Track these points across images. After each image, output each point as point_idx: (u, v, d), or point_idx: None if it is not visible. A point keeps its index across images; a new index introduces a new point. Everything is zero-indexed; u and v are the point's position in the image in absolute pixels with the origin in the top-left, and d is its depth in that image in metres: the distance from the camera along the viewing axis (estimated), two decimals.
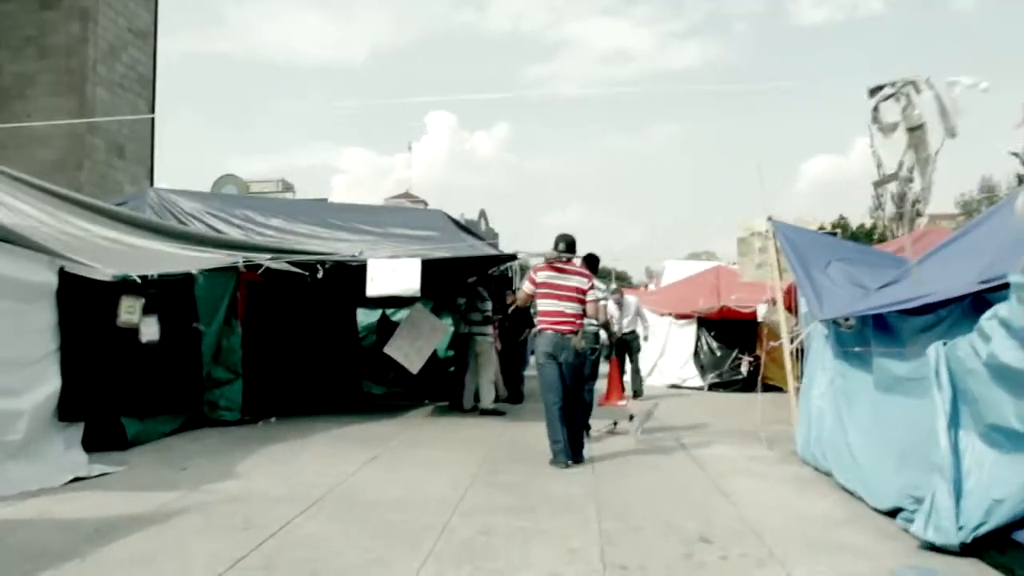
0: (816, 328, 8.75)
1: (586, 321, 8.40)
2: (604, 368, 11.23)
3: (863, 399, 7.54)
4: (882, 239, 48.07)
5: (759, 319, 14.61)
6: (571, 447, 8.19)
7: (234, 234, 12.10)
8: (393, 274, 10.31)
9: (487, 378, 12.38)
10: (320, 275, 10.57)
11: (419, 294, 10.33)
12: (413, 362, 11.89)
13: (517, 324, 13.86)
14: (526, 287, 8.32)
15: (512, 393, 14.12)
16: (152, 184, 21.57)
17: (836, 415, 7.91)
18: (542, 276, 8.13)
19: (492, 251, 11.66)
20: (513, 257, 12.53)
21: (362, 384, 14.08)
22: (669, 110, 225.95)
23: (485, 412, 12.17)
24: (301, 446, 9.00)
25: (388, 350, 11.96)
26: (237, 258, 10.25)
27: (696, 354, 17.92)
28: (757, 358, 17.47)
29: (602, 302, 9.57)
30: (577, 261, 8.58)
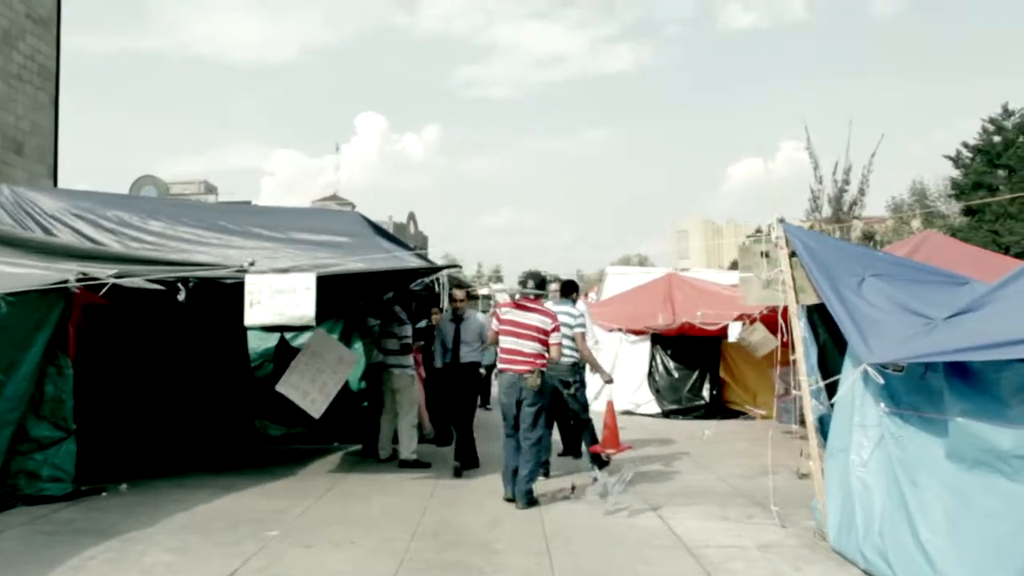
0: (846, 369, 6.40)
1: (565, 352, 8.60)
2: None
3: (936, 479, 5.26)
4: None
5: (731, 339, 12.27)
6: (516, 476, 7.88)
7: (104, 239, 9.39)
8: (280, 296, 7.67)
9: (408, 421, 9.82)
10: (182, 296, 7.88)
11: (314, 323, 7.70)
12: (315, 403, 9.23)
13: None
14: (492, 324, 8.29)
15: (440, 432, 11.56)
16: (56, 184, 20.02)
17: (894, 498, 5.57)
18: (505, 313, 8.03)
19: (415, 262, 9.06)
20: (438, 269, 9.97)
21: (256, 424, 11.34)
22: (600, 113, 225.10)
23: (406, 464, 9.61)
24: (138, 540, 6.32)
25: (281, 388, 9.29)
26: (66, 274, 7.50)
27: (651, 375, 15.53)
28: (722, 382, 15.24)
29: (577, 330, 9.11)
30: (554, 286, 9.27)
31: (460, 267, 11.60)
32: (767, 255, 7.05)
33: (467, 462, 9.25)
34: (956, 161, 47.50)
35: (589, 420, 9.52)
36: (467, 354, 9.52)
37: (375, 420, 10.29)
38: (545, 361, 7.88)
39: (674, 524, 7.04)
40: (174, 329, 9.62)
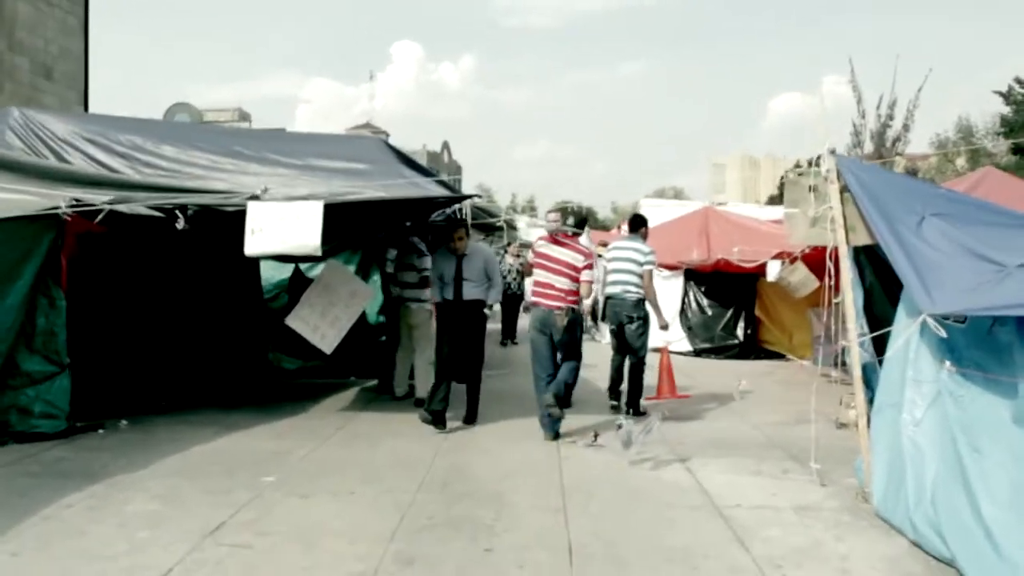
0: (899, 319, 5.76)
1: (631, 289, 9.01)
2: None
3: (1001, 446, 4.65)
4: None
5: (769, 278, 11.56)
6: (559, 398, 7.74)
7: (116, 164, 8.87)
8: (283, 224, 7.11)
9: (425, 358, 9.29)
10: (181, 224, 7.34)
11: (319, 252, 7.13)
12: (326, 338, 8.74)
13: None
14: (529, 256, 8.44)
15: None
16: (87, 110, 19.45)
17: (950, 463, 4.95)
18: (539, 247, 8.05)
19: (436, 190, 8.41)
20: (461, 198, 9.36)
21: (270, 358, 10.89)
22: (639, 45, 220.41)
23: (422, 403, 9.09)
24: (125, 485, 5.89)
25: (291, 322, 8.81)
26: (58, 201, 6.98)
27: (683, 313, 14.89)
28: (758, 321, 14.58)
29: (646, 268, 9.06)
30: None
31: (481, 196, 10.91)
32: (815, 189, 6.34)
33: (467, 415, 8.51)
34: (1007, 97, 45.53)
35: (643, 360, 9.20)
36: (470, 291, 8.27)
37: (392, 356, 9.80)
38: (577, 299, 7.79)
39: (703, 478, 6.48)
40: (182, 259, 9.10)
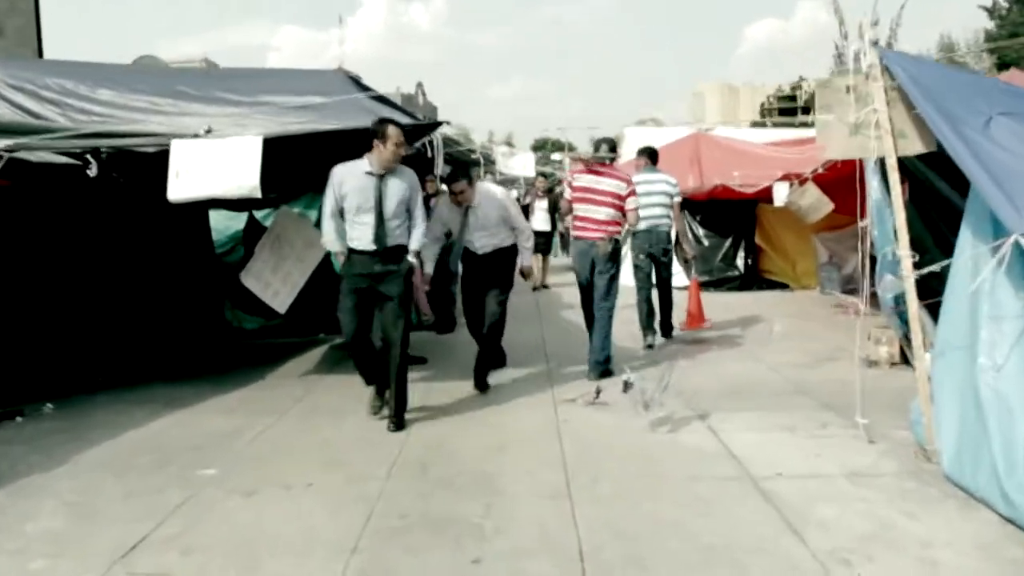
0: (964, 242, 4.70)
1: (652, 219, 8.80)
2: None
3: None
4: None
5: (777, 203, 10.44)
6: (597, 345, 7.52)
7: (45, 112, 7.61)
8: (215, 164, 5.94)
9: None
10: (93, 171, 6.15)
11: (258, 193, 5.96)
12: (278, 296, 7.64)
13: None
14: (565, 192, 7.93)
15: (441, 318, 10.00)
16: None
17: None
18: (579, 180, 7.62)
19: (398, 119, 7.23)
20: (434, 126, 8.16)
21: (227, 317, 9.74)
22: None
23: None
24: (33, 489, 4.79)
25: (245, 279, 7.68)
26: None
27: (678, 244, 13.74)
28: (758, 249, 13.50)
29: (676, 199, 9.18)
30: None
31: (450, 123, 9.56)
32: (855, 91, 5.17)
33: (477, 379, 7.12)
34: (991, 12, 44.12)
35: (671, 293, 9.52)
36: (484, 241, 6.98)
37: None
38: (620, 228, 7.54)
39: (729, 439, 5.43)
40: (117, 215, 7.90)
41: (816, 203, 9.66)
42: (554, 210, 14.98)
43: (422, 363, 8.04)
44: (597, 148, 7.82)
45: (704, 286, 13.24)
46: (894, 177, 5.07)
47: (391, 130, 5.97)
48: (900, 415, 5.63)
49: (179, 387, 7.29)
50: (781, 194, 10.18)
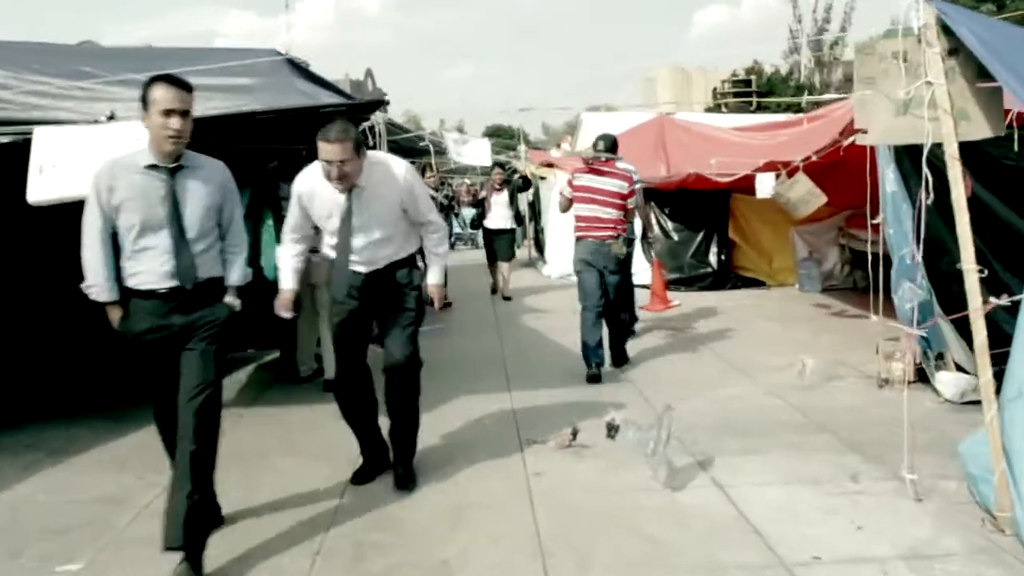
0: None
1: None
2: None
3: None
4: (800, 87, 43.33)
5: (760, 194, 9.30)
6: (612, 350, 7.52)
7: None
8: (90, 157, 4.62)
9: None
10: None
11: None
12: None
13: None
14: (564, 191, 7.61)
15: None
16: None
17: None
18: (579, 179, 7.37)
19: (328, 98, 5.99)
20: (374, 106, 6.92)
21: None
22: None
23: (332, 387, 6.77)
24: None
25: None
26: None
27: (645, 239, 12.60)
28: (732, 244, 12.44)
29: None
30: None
31: (388, 101, 8.20)
32: (903, 59, 4.02)
33: (396, 478, 4.76)
34: None
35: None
36: (373, 252, 4.55)
37: (293, 324, 7.40)
38: (625, 227, 7.44)
39: (744, 501, 4.29)
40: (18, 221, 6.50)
41: (807, 196, 8.56)
42: (514, 200, 13.05)
43: None
44: (595, 146, 7.45)
45: (674, 284, 12.18)
46: (956, 172, 3.92)
47: (160, 92, 3.63)
48: (937, 454, 4.62)
49: (76, 426, 5.98)
50: (766, 185, 9.05)
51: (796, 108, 34.66)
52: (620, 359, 7.63)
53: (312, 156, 7.12)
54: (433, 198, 10.99)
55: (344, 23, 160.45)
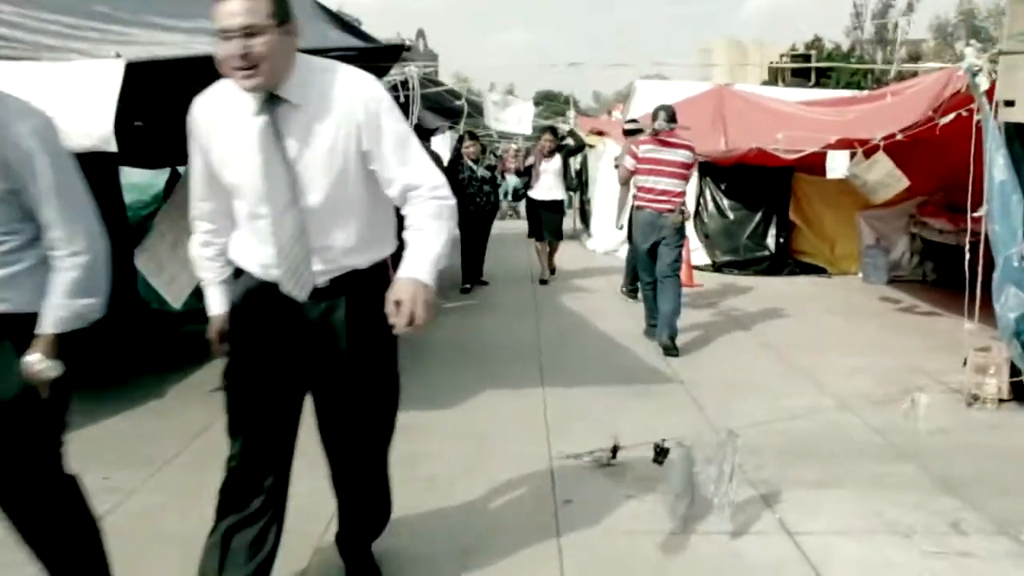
0: None
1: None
2: None
3: None
4: (861, 60, 41.62)
5: (833, 174, 8.29)
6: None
7: None
8: (54, 100, 3.83)
9: None
10: None
11: (111, 145, 3.95)
12: (175, 282, 5.65)
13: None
14: (627, 162, 7.46)
15: None
16: None
17: None
18: (645, 150, 7.19)
19: (337, 40, 5.14)
20: (396, 52, 6.05)
21: (143, 298, 7.67)
22: None
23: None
24: None
25: (137, 258, 5.66)
26: None
27: (698, 217, 11.68)
28: (792, 226, 11.47)
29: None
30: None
31: (409, 46, 7.25)
32: None
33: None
34: None
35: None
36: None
37: None
38: (683, 198, 7.27)
39: (820, 559, 3.43)
40: None
41: (886, 178, 7.57)
42: (567, 169, 11.28)
43: None
44: (655, 116, 7.30)
45: (727, 267, 11.27)
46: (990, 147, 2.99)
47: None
48: None
49: None
50: (840, 165, 8.05)
51: (856, 85, 33.24)
52: (671, 334, 7.23)
53: None
54: (471, 173, 9.88)
55: None
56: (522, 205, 11.66)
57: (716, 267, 11.32)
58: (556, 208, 10.87)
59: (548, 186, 10.74)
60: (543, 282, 10.70)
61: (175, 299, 5.70)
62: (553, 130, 12.22)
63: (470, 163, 9.96)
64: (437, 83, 8.57)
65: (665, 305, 7.05)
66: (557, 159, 10.83)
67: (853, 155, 8.00)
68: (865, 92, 10.82)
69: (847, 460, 4.56)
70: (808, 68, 38.12)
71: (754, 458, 4.42)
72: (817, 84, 33.79)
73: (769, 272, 11.10)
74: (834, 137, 8.45)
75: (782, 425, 5.12)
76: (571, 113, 17.28)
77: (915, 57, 45.77)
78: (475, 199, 9.93)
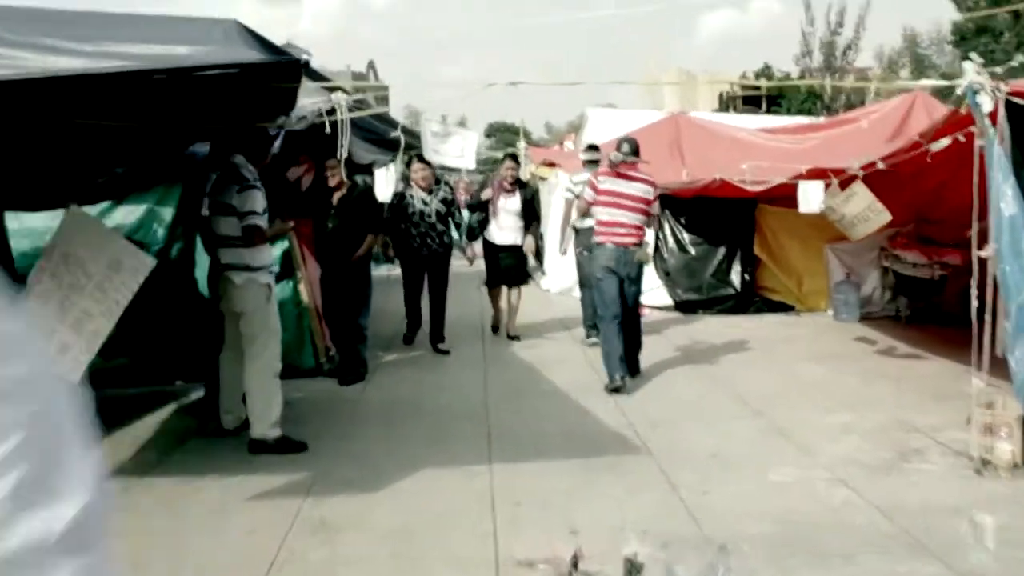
0: None
1: None
2: None
3: None
4: (812, 92, 41.64)
5: (806, 208, 7.55)
6: (627, 361, 6.98)
7: None
8: None
9: (260, 367, 5.19)
10: None
11: None
12: (69, 351, 4.67)
13: (350, 225, 7.19)
14: (587, 193, 7.20)
15: (347, 358, 7.12)
16: None
17: None
18: (603, 183, 6.99)
19: (244, 55, 4.27)
20: (294, 69, 5.17)
21: None
22: None
23: (260, 448, 5.12)
24: None
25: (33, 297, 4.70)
26: None
27: (657, 253, 10.95)
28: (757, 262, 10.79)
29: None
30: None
31: (311, 56, 6.23)
32: None
33: None
34: (959, 3, 41.73)
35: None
36: None
37: (216, 359, 5.73)
38: (644, 233, 7.14)
39: None
40: None
41: (866, 212, 6.87)
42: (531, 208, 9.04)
43: (297, 451, 5.15)
44: (619, 147, 7.04)
45: (690, 306, 10.53)
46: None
47: None
48: None
49: None
50: (814, 196, 7.33)
51: (807, 112, 33.13)
52: (635, 369, 7.21)
53: (235, 144, 5.47)
54: (423, 207, 8.25)
55: (350, 14, 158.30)
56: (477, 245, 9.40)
57: (678, 305, 10.57)
58: (517, 252, 8.94)
59: (509, 226, 8.81)
60: (512, 336, 8.94)
61: (71, 373, 4.74)
62: (514, 156, 10.24)
63: (421, 195, 8.29)
64: (361, 105, 7.64)
65: (631, 342, 7.00)
66: (518, 196, 8.83)
67: (827, 185, 7.31)
68: (823, 119, 10.26)
69: (856, 556, 3.77)
70: (757, 97, 38.07)
71: (745, 560, 3.61)
72: (768, 112, 33.61)
73: (735, 311, 10.38)
74: (804, 167, 7.77)
75: (773, 509, 4.31)
76: (521, 144, 16.54)
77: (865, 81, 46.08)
78: (427, 239, 8.24)
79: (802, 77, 44.30)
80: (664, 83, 45.58)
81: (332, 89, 6.78)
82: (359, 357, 7.12)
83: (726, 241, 10.66)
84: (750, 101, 40.54)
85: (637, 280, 7.09)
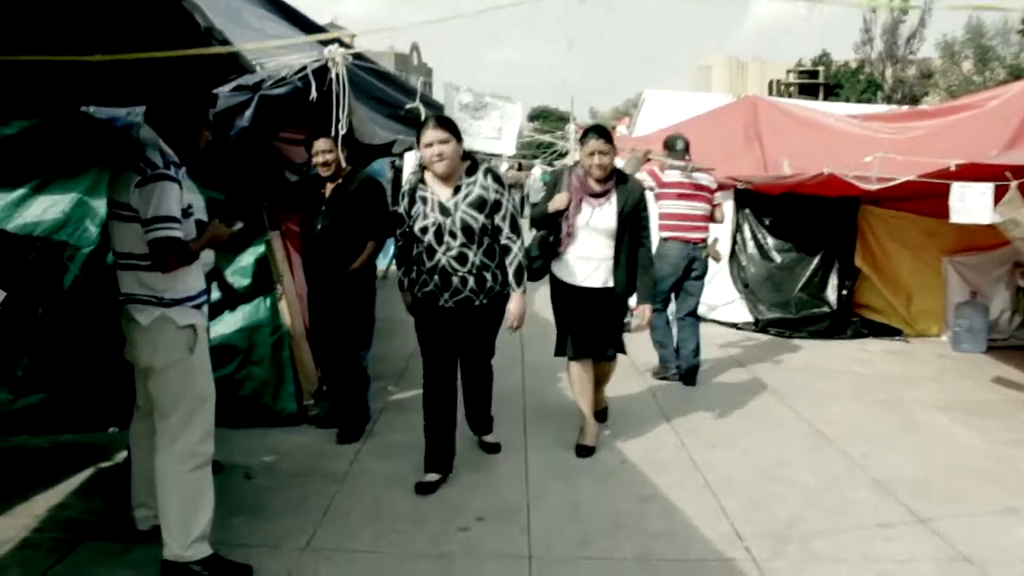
0: None
1: None
2: None
3: None
4: (871, 81, 39.14)
5: (970, 217, 5.45)
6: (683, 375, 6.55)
7: None
8: None
9: (180, 460, 3.30)
10: None
11: None
12: None
13: (345, 227, 5.07)
14: (647, 183, 6.12)
15: (341, 405, 5.23)
16: None
17: None
18: (668, 175, 6.44)
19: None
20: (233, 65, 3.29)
21: None
22: None
23: (177, 575, 3.25)
24: None
25: None
26: None
27: (734, 260, 8.95)
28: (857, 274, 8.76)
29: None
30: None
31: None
32: None
33: None
34: None
35: None
36: None
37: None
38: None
39: None
40: None
41: None
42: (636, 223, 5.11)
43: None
44: (673, 146, 6.51)
45: (774, 326, 8.53)
46: None
47: None
48: None
49: None
50: (977, 203, 5.26)
51: (867, 101, 30.76)
52: (690, 380, 6.55)
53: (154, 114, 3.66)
54: (441, 215, 4.51)
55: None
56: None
57: (760, 326, 8.55)
58: (611, 300, 4.97)
59: (595, 254, 4.90)
60: (585, 450, 5.00)
61: None
62: (602, 131, 5.03)
63: (439, 194, 4.37)
64: (372, 66, 5.65)
65: (691, 343, 6.50)
66: (613, 204, 4.85)
67: (997, 186, 5.26)
68: (976, 97, 8.19)
69: None
70: (815, 85, 35.73)
71: None
72: (826, 101, 31.34)
73: (829, 334, 8.34)
74: (953, 161, 5.70)
75: None
76: (571, 127, 14.58)
77: (927, 75, 43.35)
78: (448, 280, 4.33)
79: (861, 66, 41.76)
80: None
81: (327, 42, 4.97)
82: (359, 404, 5.21)
83: (821, 248, 8.59)
84: (806, 90, 38.11)
85: (703, 280, 6.58)
